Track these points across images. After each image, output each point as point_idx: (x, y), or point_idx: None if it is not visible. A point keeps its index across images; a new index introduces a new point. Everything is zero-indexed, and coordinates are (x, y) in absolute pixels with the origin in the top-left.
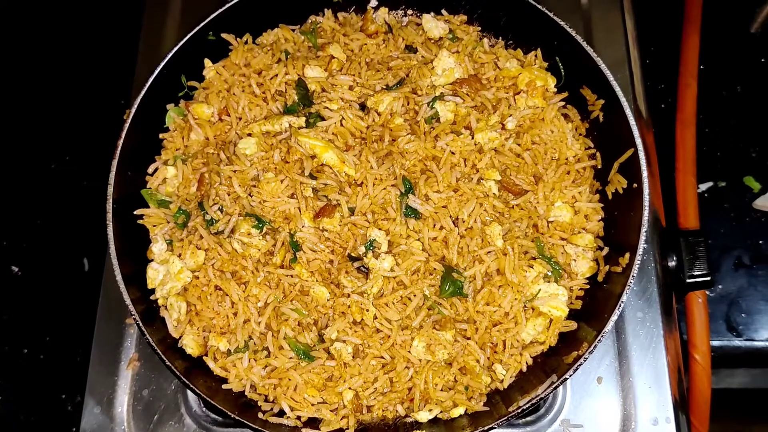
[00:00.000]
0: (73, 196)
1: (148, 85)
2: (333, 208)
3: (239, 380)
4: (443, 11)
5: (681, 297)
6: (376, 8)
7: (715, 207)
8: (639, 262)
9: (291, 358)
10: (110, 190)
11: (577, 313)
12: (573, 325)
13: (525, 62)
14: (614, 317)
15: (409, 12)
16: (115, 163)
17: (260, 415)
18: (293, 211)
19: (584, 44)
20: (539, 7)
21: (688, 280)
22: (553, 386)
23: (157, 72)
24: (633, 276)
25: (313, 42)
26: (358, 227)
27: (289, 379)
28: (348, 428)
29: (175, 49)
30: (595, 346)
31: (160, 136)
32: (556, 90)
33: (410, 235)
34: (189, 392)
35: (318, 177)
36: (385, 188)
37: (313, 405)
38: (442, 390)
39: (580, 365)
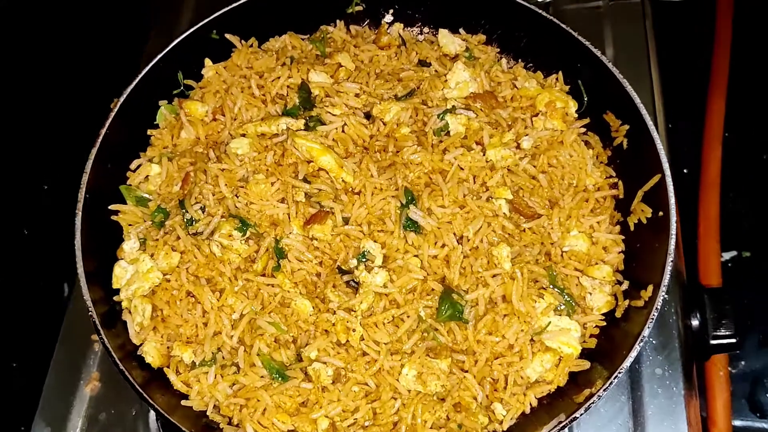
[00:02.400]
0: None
1: (140, 76)
2: (325, 215)
3: (201, 398)
4: (461, 30)
5: (704, 359)
6: (390, 23)
7: (738, 278)
8: (663, 295)
9: (263, 377)
10: (85, 178)
11: (590, 353)
12: (585, 365)
13: (545, 84)
14: (634, 353)
15: (425, 30)
16: (94, 151)
17: None
18: (282, 217)
19: (610, 65)
20: (563, 26)
21: (713, 342)
22: (561, 426)
23: (151, 64)
24: (656, 310)
25: (321, 50)
26: (352, 238)
27: (258, 400)
28: None
29: (174, 43)
30: (611, 383)
31: (149, 132)
32: (576, 116)
33: (408, 251)
34: (150, 420)
35: (312, 182)
36: (384, 198)
37: None
38: (431, 428)
39: (592, 404)
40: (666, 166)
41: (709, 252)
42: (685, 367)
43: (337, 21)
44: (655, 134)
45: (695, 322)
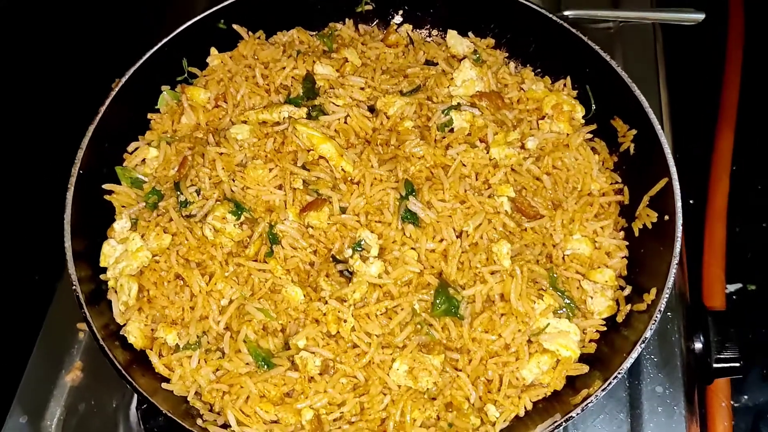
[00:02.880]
0: None
1: (144, 58)
2: (322, 203)
3: (183, 382)
4: (470, 34)
5: (707, 383)
6: (399, 24)
7: (743, 311)
8: (667, 297)
9: (248, 364)
10: (80, 154)
11: (589, 358)
12: (584, 369)
13: (553, 89)
14: (635, 354)
15: (434, 33)
16: (91, 128)
17: (199, 422)
18: (278, 203)
19: (619, 69)
20: (573, 30)
21: (716, 365)
22: (555, 425)
23: (155, 48)
24: (659, 312)
25: (328, 46)
26: (348, 228)
27: (241, 387)
28: None
29: (180, 29)
30: (610, 384)
31: (149, 116)
32: (583, 122)
33: (406, 243)
34: (131, 413)
35: (311, 169)
36: (384, 189)
37: (265, 423)
38: (420, 426)
39: (589, 404)
40: (673, 169)
41: (713, 275)
42: (687, 388)
43: (346, 19)
44: (662, 138)
45: (698, 345)
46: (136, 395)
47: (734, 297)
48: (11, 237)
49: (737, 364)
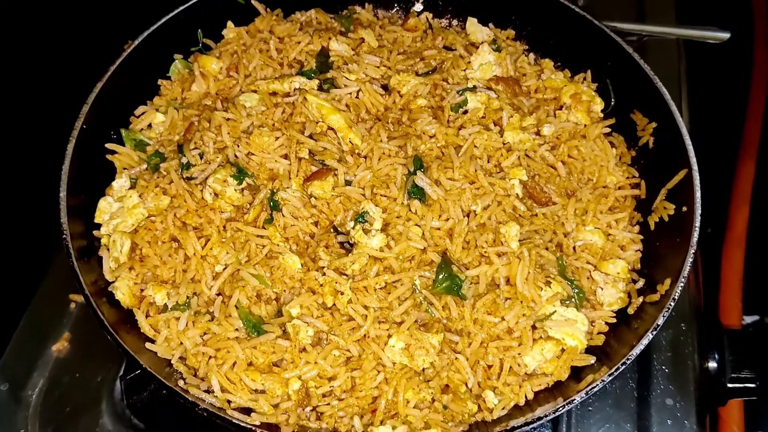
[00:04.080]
0: None
1: (158, 23)
2: (327, 172)
3: (168, 344)
4: (490, 25)
5: (720, 404)
6: (420, 12)
7: (760, 344)
8: (681, 287)
9: (237, 329)
10: (85, 109)
11: (596, 351)
12: (590, 359)
13: (572, 81)
14: (645, 341)
15: (454, 23)
16: (99, 85)
17: (181, 383)
18: (282, 172)
19: (642, 62)
20: (596, 22)
21: (730, 385)
22: (557, 408)
23: (172, 14)
24: (673, 300)
25: (346, 27)
26: (352, 201)
27: (228, 351)
28: (286, 426)
29: None
30: (618, 370)
31: (159, 82)
32: (602, 116)
33: (411, 219)
34: (116, 388)
35: (318, 140)
36: (391, 164)
37: (250, 392)
38: (414, 407)
39: (594, 389)
40: (693, 160)
41: (730, 302)
42: (699, 406)
43: (366, 4)
44: (683, 129)
45: (713, 364)
46: (123, 366)
47: (751, 329)
48: (13, 207)
49: (753, 385)
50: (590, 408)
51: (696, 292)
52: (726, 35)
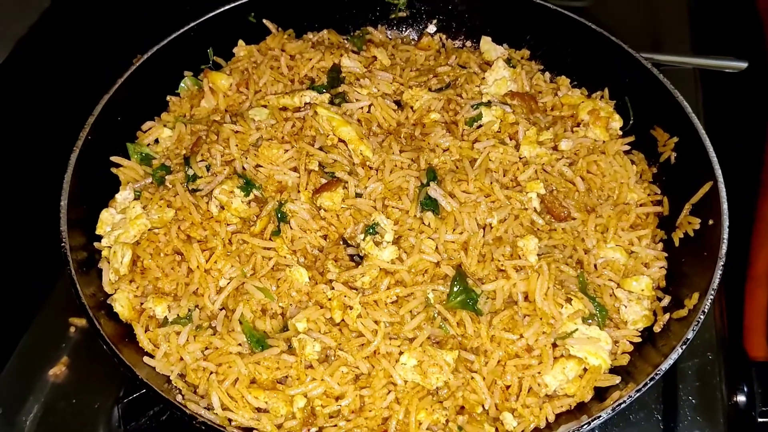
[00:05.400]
0: None
1: (169, 39)
2: (337, 183)
3: (168, 359)
4: (504, 45)
5: None
6: (433, 34)
7: None
8: (710, 303)
9: (240, 344)
10: (91, 120)
11: (621, 372)
12: (615, 379)
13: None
14: (675, 355)
15: (468, 44)
16: (106, 97)
17: (179, 398)
18: (291, 185)
19: (661, 76)
20: (613, 38)
21: (760, 419)
22: (581, 426)
23: (182, 30)
24: (703, 313)
25: (358, 46)
26: (362, 213)
27: (230, 367)
28: None
29: (210, 15)
30: (647, 386)
31: (168, 98)
32: (621, 134)
33: (424, 231)
34: (113, 415)
35: (329, 152)
36: (404, 176)
37: (252, 411)
38: (427, 429)
39: (621, 405)
40: (719, 172)
41: (754, 342)
42: None
43: (379, 26)
44: (707, 141)
45: (741, 398)
46: (122, 392)
47: None
48: (17, 227)
49: None
50: None
51: (721, 323)
52: (744, 65)
